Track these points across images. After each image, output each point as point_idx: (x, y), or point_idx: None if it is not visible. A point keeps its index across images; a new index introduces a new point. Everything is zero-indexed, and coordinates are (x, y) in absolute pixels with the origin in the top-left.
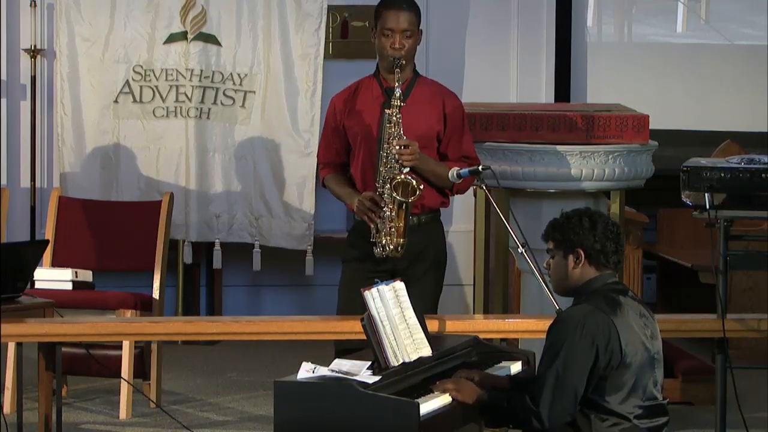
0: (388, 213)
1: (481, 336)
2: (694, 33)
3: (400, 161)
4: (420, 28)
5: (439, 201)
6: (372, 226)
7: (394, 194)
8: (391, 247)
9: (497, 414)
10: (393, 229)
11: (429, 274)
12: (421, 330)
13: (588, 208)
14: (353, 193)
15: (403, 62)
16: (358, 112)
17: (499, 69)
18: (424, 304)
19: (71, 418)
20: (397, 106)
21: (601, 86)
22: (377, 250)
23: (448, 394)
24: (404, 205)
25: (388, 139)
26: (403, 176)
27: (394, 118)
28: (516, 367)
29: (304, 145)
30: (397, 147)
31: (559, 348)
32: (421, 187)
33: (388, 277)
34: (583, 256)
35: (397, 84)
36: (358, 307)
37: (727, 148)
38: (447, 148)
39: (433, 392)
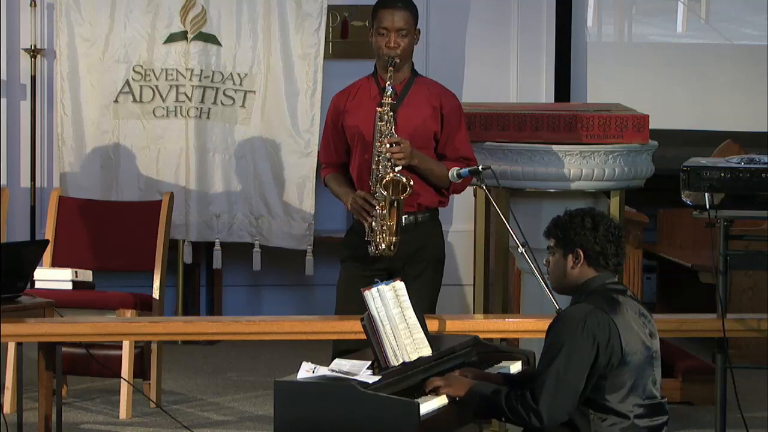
0: (380, 211)
1: (481, 336)
2: (694, 33)
3: (392, 159)
4: (418, 27)
5: (436, 200)
6: (366, 224)
7: (384, 192)
8: (384, 245)
9: (489, 406)
10: (385, 228)
11: (426, 274)
12: (421, 330)
13: (592, 209)
14: (350, 192)
15: (397, 61)
16: (355, 111)
17: (499, 69)
18: (422, 304)
19: (71, 418)
20: (388, 104)
21: (601, 86)
22: (371, 249)
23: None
24: (395, 203)
25: (380, 137)
26: (392, 174)
27: (386, 116)
28: (516, 367)
29: (304, 145)
30: (388, 145)
31: (560, 346)
32: (411, 184)
33: (386, 276)
34: (582, 256)
35: (388, 82)
36: (355, 307)
37: (726, 147)
38: (444, 148)
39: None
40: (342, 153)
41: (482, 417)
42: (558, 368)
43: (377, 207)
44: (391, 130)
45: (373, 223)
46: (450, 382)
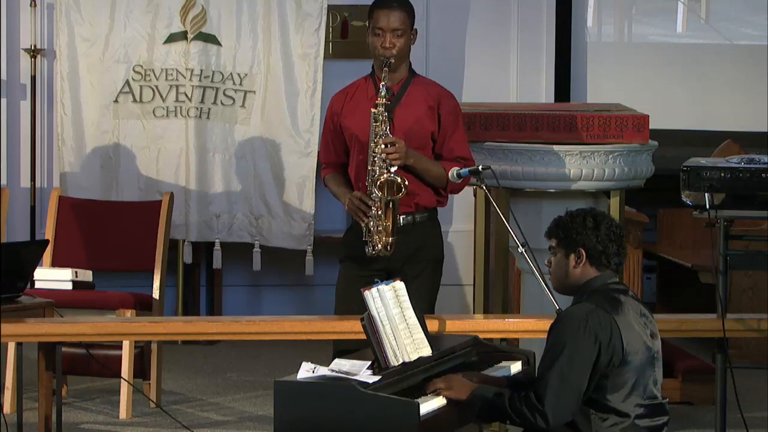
0: (376, 212)
1: (481, 336)
2: (694, 33)
3: (387, 160)
4: (414, 27)
5: (434, 200)
6: (363, 225)
7: (379, 193)
8: (380, 246)
9: (493, 410)
10: (381, 228)
11: (425, 274)
12: (421, 330)
13: (593, 208)
14: (347, 193)
15: (392, 61)
16: (353, 112)
17: (499, 69)
18: (421, 304)
19: (71, 418)
20: (383, 104)
21: (601, 86)
22: (368, 249)
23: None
24: (391, 203)
25: (375, 138)
26: (387, 175)
27: (381, 117)
28: (516, 367)
29: (304, 145)
30: (383, 145)
31: (563, 346)
32: (406, 183)
33: (384, 276)
34: (584, 255)
35: (383, 83)
36: (355, 307)
37: (726, 147)
38: (441, 148)
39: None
40: (341, 153)
41: (485, 420)
42: (561, 368)
43: (373, 208)
44: (386, 130)
45: (370, 224)
46: (451, 385)
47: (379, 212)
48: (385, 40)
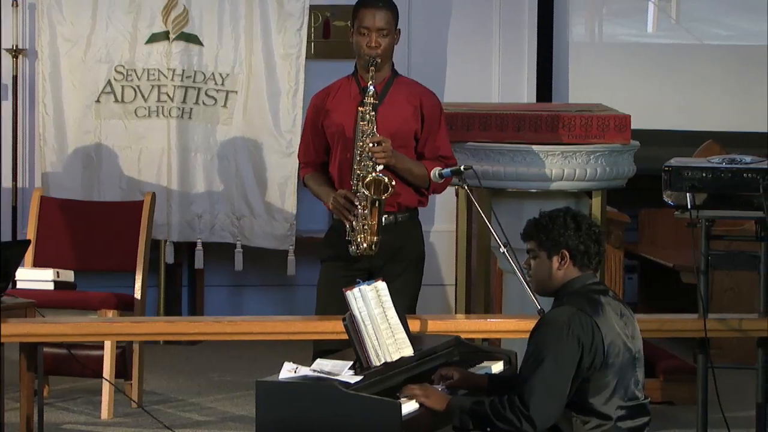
0: (362, 211)
1: (463, 336)
2: (666, 33)
3: (373, 159)
4: (398, 27)
5: (416, 200)
6: (347, 224)
7: (366, 192)
8: (365, 245)
9: (473, 419)
10: (367, 227)
11: (406, 273)
12: (402, 330)
13: (569, 208)
14: (330, 192)
15: (379, 61)
16: (336, 111)
17: (481, 69)
18: (402, 303)
19: (53, 419)
20: (370, 103)
21: (583, 86)
22: (352, 248)
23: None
24: (377, 202)
25: (362, 136)
26: (375, 174)
27: (368, 115)
28: (497, 367)
29: (286, 145)
30: (370, 144)
31: (546, 350)
32: (393, 183)
33: (365, 275)
34: (568, 257)
35: (370, 82)
36: (336, 307)
37: (708, 148)
38: (424, 147)
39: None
40: (321, 152)
41: (465, 430)
42: (546, 373)
43: (359, 206)
44: (373, 129)
45: (354, 222)
46: (428, 394)
47: (365, 211)
48: (370, 39)
